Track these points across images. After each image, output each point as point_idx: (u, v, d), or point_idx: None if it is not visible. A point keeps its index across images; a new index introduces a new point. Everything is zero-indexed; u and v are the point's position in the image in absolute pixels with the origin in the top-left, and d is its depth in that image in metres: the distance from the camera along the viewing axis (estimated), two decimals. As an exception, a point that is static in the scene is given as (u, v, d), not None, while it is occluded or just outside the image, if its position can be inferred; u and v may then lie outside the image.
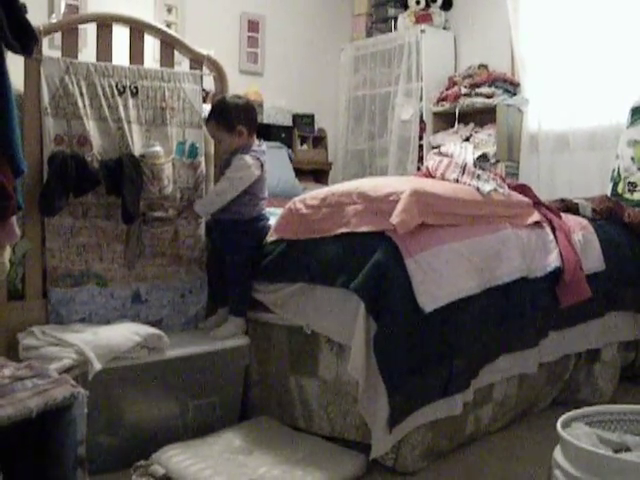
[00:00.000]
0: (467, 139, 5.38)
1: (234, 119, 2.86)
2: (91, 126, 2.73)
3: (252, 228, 2.87)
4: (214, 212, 2.87)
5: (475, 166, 2.89)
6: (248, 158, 2.83)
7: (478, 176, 2.82)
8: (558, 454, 1.61)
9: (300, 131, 6.04)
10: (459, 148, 3.03)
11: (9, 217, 1.74)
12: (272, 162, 4.97)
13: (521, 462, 2.56)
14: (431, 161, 3.03)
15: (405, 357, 2.32)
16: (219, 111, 2.89)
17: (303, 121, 6.06)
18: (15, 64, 2.06)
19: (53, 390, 1.23)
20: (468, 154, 2.96)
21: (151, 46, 3.28)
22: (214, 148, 3.12)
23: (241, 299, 2.84)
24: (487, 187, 2.77)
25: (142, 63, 2.96)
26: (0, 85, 1.74)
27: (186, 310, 2.96)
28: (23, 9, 1.81)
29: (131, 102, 2.85)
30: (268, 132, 5.69)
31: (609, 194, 3.97)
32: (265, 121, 5.72)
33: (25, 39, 1.80)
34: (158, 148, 2.83)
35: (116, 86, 2.82)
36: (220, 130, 2.87)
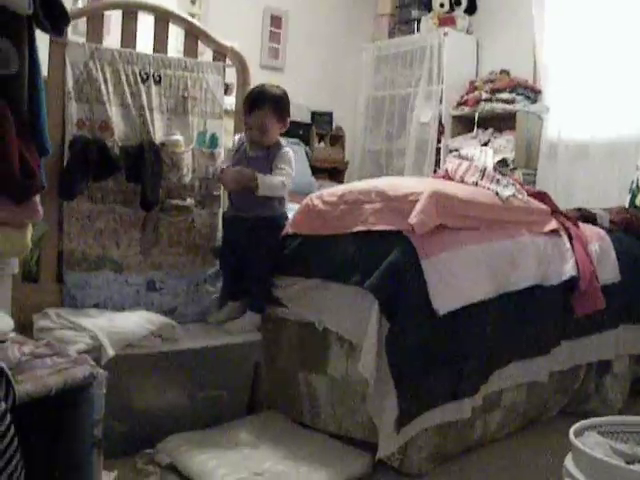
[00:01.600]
0: (485, 144, 5.36)
1: (285, 110, 2.86)
2: (113, 112, 2.74)
3: (280, 225, 2.83)
4: (240, 209, 2.84)
5: (495, 171, 2.87)
6: (292, 153, 2.86)
7: (497, 181, 2.80)
8: (569, 462, 1.59)
9: (318, 129, 6.04)
10: (479, 152, 3.02)
11: (33, 195, 1.75)
12: (290, 158, 5.01)
13: (528, 469, 2.55)
14: (450, 164, 3.02)
15: (416, 358, 2.31)
16: (276, 99, 2.82)
17: (321, 119, 6.07)
18: (39, 48, 2.07)
19: (72, 369, 1.23)
20: (488, 158, 2.95)
21: (174, 36, 3.28)
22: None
23: (262, 295, 2.81)
24: (506, 192, 2.75)
25: (166, 52, 2.97)
26: (31, 65, 1.75)
27: (200, 300, 2.96)
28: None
29: (154, 90, 2.85)
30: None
31: (627, 205, 3.94)
32: (284, 117, 5.72)
33: (56, 18, 1.79)
34: (179, 137, 2.84)
35: (139, 73, 2.83)
36: (271, 118, 2.79)
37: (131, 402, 2.48)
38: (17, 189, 1.65)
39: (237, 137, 2.96)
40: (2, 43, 1.60)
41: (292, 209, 2.92)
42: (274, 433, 2.61)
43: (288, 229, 2.78)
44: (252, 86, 3.15)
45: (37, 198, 1.81)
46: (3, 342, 1.34)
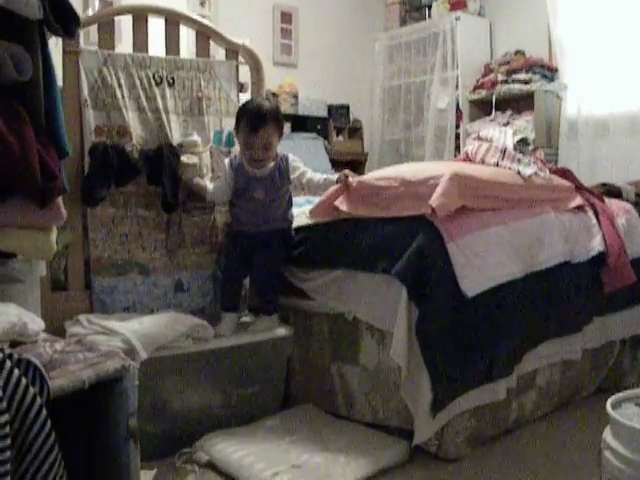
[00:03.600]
0: (505, 126, 5.32)
1: (282, 122, 2.82)
2: (130, 117, 2.76)
3: (290, 235, 2.84)
4: (252, 224, 2.79)
5: (515, 150, 2.85)
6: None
7: (519, 160, 2.78)
8: (608, 435, 1.58)
9: (335, 122, 6.04)
10: (498, 132, 3.00)
11: (55, 197, 1.76)
12: (308, 153, 5.03)
13: (566, 449, 2.53)
14: (470, 146, 3.00)
15: (448, 342, 2.30)
16: (275, 114, 2.75)
17: (338, 112, 6.06)
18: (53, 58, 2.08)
19: (104, 362, 1.24)
20: (508, 138, 2.92)
21: (185, 38, 3.29)
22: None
23: (274, 300, 2.83)
24: (528, 171, 2.73)
25: (178, 54, 2.98)
26: (45, 69, 1.77)
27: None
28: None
29: (168, 92, 2.87)
30: (304, 123, 5.71)
31: (652, 178, 3.89)
32: (300, 112, 5.74)
33: (67, 21, 1.81)
34: (196, 137, 2.85)
35: (153, 77, 2.84)
36: (275, 135, 2.74)
37: (166, 403, 2.49)
38: (39, 192, 1.66)
39: (227, 160, 2.86)
40: (15, 49, 1.62)
41: (312, 201, 2.92)
42: (310, 426, 2.62)
43: (311, 218, 2.78)
44: (265, 84, 3.18)
45: (60, 200, 1.83)
46: (35, 342, 1.35)
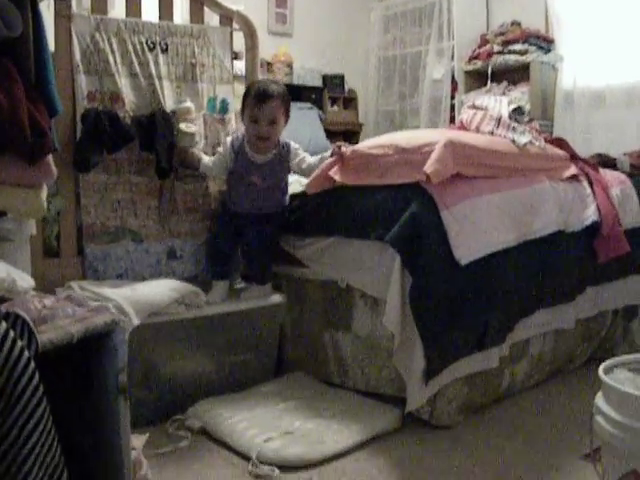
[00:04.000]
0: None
1: (289, 106, 2.78)
2: (123, 83, 2.73)
3: (285, 214, 2.82)
4: (249, 206, 2.76)
5: (510, 119, 2.83)
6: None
7: (514, 128, 2.77)
8: (600, 400, 1.59)
9: (330, 92, 6.00)
10: (493, 101, 2.98)
11: (45, 155, 1.75)
12: (303, 123, 4.99)
13: (557, 417, 2.55)
14: (465, 114, 2.98)
15: (441, 310, 2.30)
16: (284, 93, 2.74)
17: (333, 82, 6.03)
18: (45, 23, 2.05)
19: (94, 317, 1.23)
20: (503, 107, 2.90)
21: (178, 3, 3.24)
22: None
23: (267, 270, 2.83)
24: (523, 139, 2.72)
25: (171, 20, 2.95)
26: (35, 27, 1.74)
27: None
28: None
29: (161, 58, 2.84)
30: (298, 93, 5.66)
31: (647, 149, 3.88)
32: (295, 82, 5.71)
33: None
34: (189, 104, 2.82)
35: (146, 42, 2.81)
36: (281, 113, 2.71)
37: (159, 370, 2.50)
38: (29, 149, 1.65)
39: (228, 139, 2.83)
40: (4, 4, 1.59)
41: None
42: (303, 393, 2.63)
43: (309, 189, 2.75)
44: (259, 52, 3.16)
45: (50, 158, 1.81)
46: (24, 298, 1.34)
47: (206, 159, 2.81)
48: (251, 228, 2.76)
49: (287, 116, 2.76)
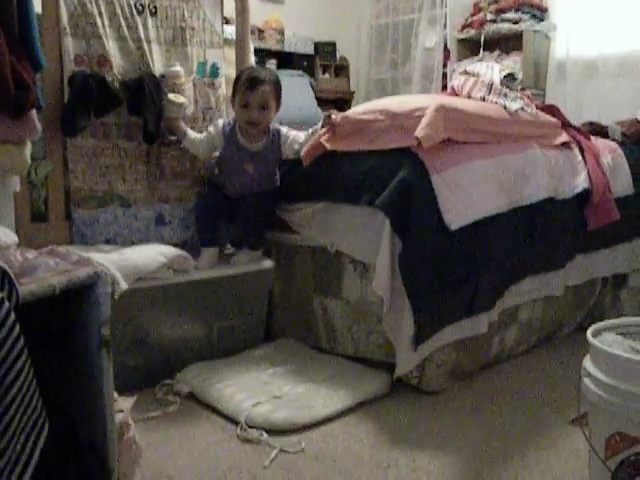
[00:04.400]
0: (493, 64, 5.26)
1: (280, 93, 2.77)
2: (111, 46, 2.70)
3: (276, 190, 2.82)
4: (241, 189, 2.77)
5: (502, 85, 2.81)
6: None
7: (505, 95, 2.75)
8: (588, 362, 1.59)
9: (322, 60, 5.97)
10: (485, 67, 2.95)
11: (29, 110, 1.73)
12: (294, 91, 4.96)
13: (546, 383, 2.56)
14: (457, 80, 2.96)
15: (430, 275, 2.29)
16: (276, 79, 2.75)
17: (325, 49, 6.00)
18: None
19: (76, 270, 1.22)
20: (495, 73, 2.88)
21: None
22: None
23: (262, 236, 2.81)
24: (514, 105, 2.70)
25: (161, -18, 2.91)
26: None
27: (210, 232, 2.93)
28: None
29: (150, 21, 2.80)
30: (290, 60, 5.64)
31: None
32: (286, 49, 5.68)
33: None
34: (178, 68, 2.79)
35: (135, 5, 2.77)
36: (272, 99, 2.70)
37: (147, 335, 2.49)
38: (12, 102, 1.62)
39: (220, 122, 2.80)
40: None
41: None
42: (292, 359, 2.63)
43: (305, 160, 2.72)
44: (250, 17, 3.12)
45: (34, 114, 1.79)
46: (6, 250, 1.33)
47: (192, 135, 2.78)
48: (243, 205, 2.76)
49: (278, 103, 2.75)
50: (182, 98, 2.74)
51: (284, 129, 2.79)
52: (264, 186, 2.79)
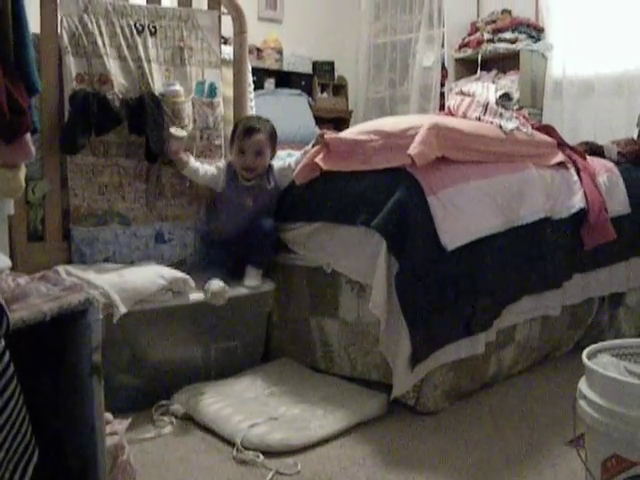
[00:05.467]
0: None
1: (276, 141, 2.87)
2: (111, 65, 2.71)
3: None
4: (241, 226, 2.78)
5: (497, 105, 2.83)
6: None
7: (501, 114, 2.76)
8: (583, 384, 1.59)
9: (320, 79, 5.99)
10: (481, 87, 2.98)
11: (23, 133, 1.73)
12: (292, 110, 5.00)
13: (543, 403, 2.55)
14: (452, 100, 2.98)
15: (427, 295, 2.30)
16: (271, 127, 2.85)
17: (323, 68, 6.02)
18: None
19: (68, 296, 1.22)
20: (490, 93, 2.90)
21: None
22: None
23: (268, 254, 2.79)
24: (510, 125, 2.72)
25: (159, 2, 2.94)
26: (13, 3, 1.71)
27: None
28: None
29: (150, 41, 2.83)
30: (288, 80, 5.66)
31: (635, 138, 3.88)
32: (285, 69, 5.70)
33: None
34: (178, 87, 2.81)
35: (135, 25, 2.80)
36: (267, 146, 2.79)
37: (145, 357, 2.49)
38: (6, 127, 1.63)
39: (223, 164, 2.87)
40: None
41: (293, 155, 2.92)
42: (289, 379, 2.62)
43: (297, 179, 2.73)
44: (248, 37, 3.14)
45: (28, 137, 1.80)
46: (-1, 277, 1.33)
47: (194, 165, 2.81)
48: (245, 235, 2.77)
49: (273, 151, 2.86)
50: (183, 132, 2.78)
51: (276, 164, 2.86)
52: (260, 221, 2.77)
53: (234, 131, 2.85)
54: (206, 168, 2.84)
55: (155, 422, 2.34)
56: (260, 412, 2.32)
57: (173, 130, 2.75)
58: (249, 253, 2.78)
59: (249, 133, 2.77)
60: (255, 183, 2.81)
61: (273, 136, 2.84)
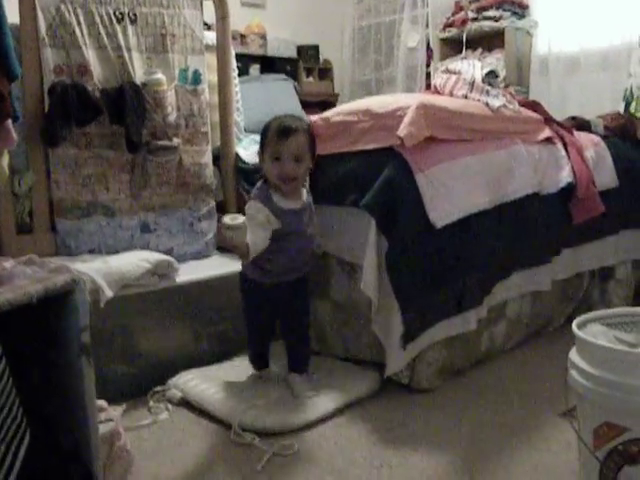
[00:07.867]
0: (475, 63, 5.28)
1: (314, 143, 2.36)
2: (90, 55, 2.70)
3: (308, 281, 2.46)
4: (284, 274, 2.34)
5: (484, 82, 2.82)
6: None
7: (487, 92, 2.75)
8: (574, 354, 1.59)
9: (305, 63, 5.98)
10: (467, 65, 2.96)
11: (4, 120, 1.72)
12: (278, 95, 4.96)
13: (536, 377, 2.56)
14: (439, 79, 2.97)
15: (417, 274, 2.30)
16: (307, 126, 2.35)
17: (308, 53, 6.02)
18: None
19: (54, 277, 1.22)
20: (476, 71, 2.88)
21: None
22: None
23: (307, 354, 2.50)
24: (497, 102, 2.70)
25: (140, -10, 2.91)
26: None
27: (196, 239, 2.94)
28: None
29: (130, 29, 2.81)
30: (273, 65, 5.65)
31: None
32: (269, 54, 5.69)
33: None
34: (160, 75, 2.79)
35: (114, 13, 2.78)
36: (307, 150, 2.27)
37: (136, 343, 2.48)
38: (-14, 113, 1.63)
39: (257, 201, 2.24)
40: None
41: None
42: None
43: None
44: (233, 23, 3.14)
45: (9, 124, 1.79)
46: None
47: (261, 246, 2.21)
48: (286, 300, 2.38)
49: (313, 156, 2.34)
50: (240, 218, 2.14)
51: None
52: (307, 260, 2.40)
53: (264, 134, 2.30)
54: (260, 234, 2.20)
55: (151, 409, 2.34)
56: (255, 395, 2.33)
57: (227, 219, 2.14)
58: (288, 352, 2.48)
59: (284, 135, 2.24)
60: (297, 207, 2.30)
61: (312, 137, 2.33)
